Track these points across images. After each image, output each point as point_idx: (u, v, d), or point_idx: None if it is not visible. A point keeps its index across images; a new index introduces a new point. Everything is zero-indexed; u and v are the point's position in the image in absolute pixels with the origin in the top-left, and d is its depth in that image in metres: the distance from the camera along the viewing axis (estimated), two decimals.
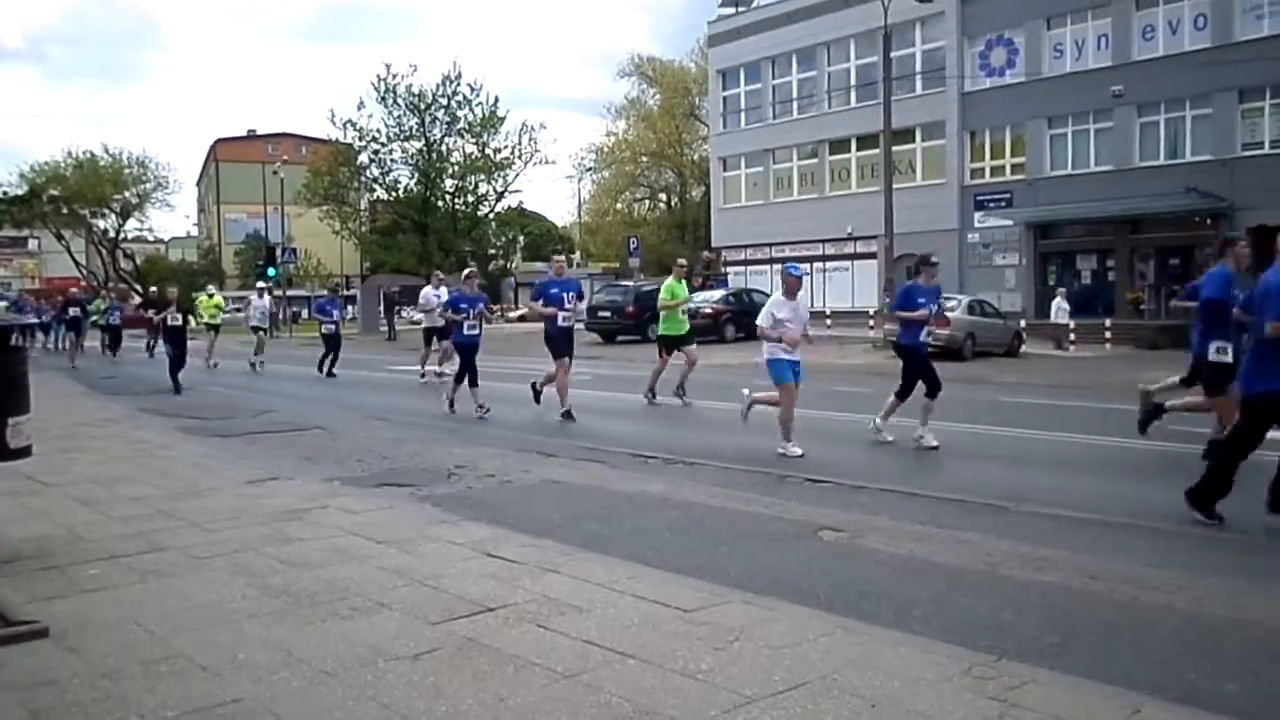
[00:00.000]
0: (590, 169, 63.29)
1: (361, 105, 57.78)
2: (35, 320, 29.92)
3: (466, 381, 12.78)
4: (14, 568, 5.12)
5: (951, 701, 3.39)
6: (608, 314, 31.33)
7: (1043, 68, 32.85)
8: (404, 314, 50.76)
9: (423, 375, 18.72)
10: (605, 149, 62.02)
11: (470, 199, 49.28)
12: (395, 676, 3.65)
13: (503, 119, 47.79)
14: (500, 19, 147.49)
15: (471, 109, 47.29)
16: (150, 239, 77.19)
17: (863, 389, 15.37)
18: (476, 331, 13.03)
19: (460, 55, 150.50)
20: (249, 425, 11.89)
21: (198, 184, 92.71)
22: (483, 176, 48.45)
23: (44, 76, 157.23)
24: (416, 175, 48.32)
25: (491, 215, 52.16)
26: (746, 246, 41.88)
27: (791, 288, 9.83)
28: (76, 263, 66.12)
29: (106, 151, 64.00)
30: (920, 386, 9.93)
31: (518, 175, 49.33)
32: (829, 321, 32.86)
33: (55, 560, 5.31)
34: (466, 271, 14.46)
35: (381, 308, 43.46)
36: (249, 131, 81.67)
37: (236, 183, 74.77)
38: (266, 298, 25.62)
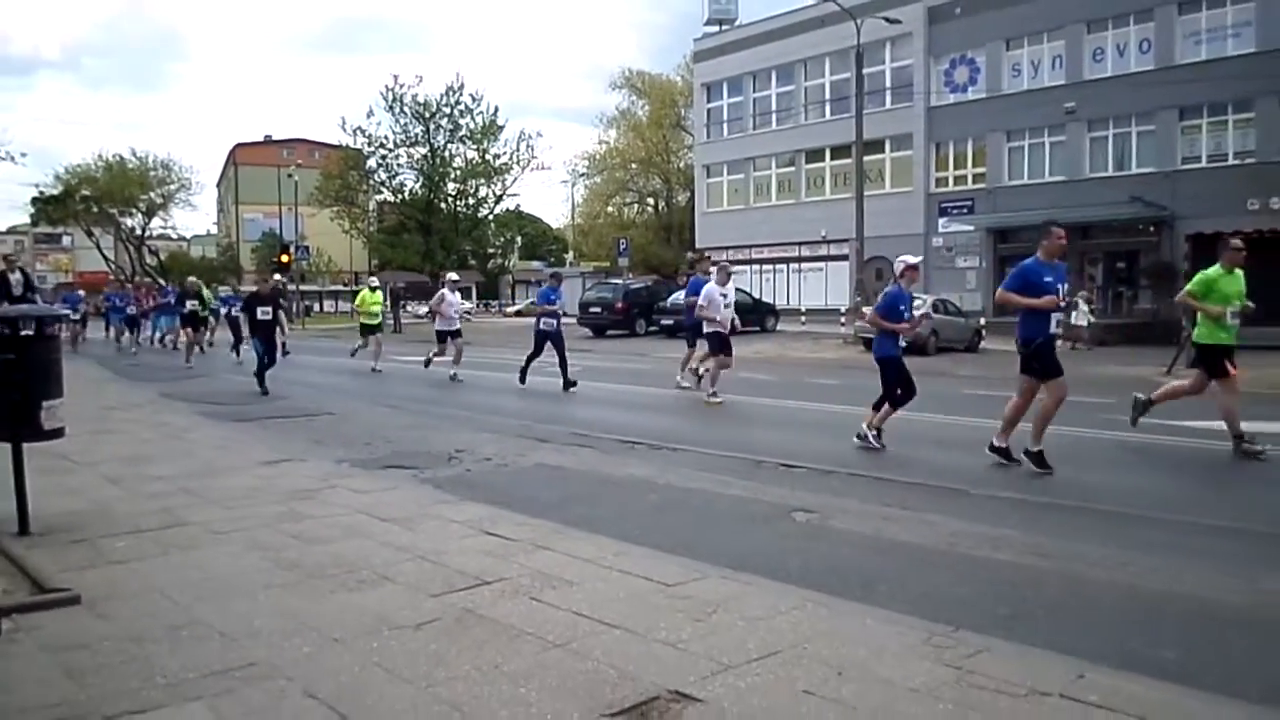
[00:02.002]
0: (583, 175, 63.19)
1: (371, 113, 57.53)
2: (68, 314, 24.21)
3: (889, 405, 9.12)
4: (48, 540, 5.11)
5: (912, 668, 3.41)
6: (598, 310, 31.41)
7: (1002, 85, 32.94)
8: (408, 309, 50.61)
9: (688, 387, 13.88)
10: (597, 156, 61.90)
11: (471, 201, 49.08)
12: (398, 644, 3.65)
13: (502, 127, 47.58)
14: (500, 34, 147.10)
15: (473, 118, 47.05)
16: (173, 236, 76.61)
17: (833, 380, 15.42)
18: (907, 343, 9.52)
19: (463, 68, 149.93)
20: (265, 410, 11.84)
21: (218, 185, 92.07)
22: (483, 181, 48.24)
23: (78, 85, 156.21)
24: (421, 179, 48.07)
25: (491, 217, 51.96)
26: (728, 248, 41.79)
27: None
28: (105, 258, 65.69)
29: (134, 155, 63.56)
30: None
31: (516, 180, 49.19)
32: (804, 319, 33.01)
33: (86, 533, 5.29)
34: (907, 261, 9.05)
35: (388, 303, 43.37)
36: (266, 137, 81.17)
37: (254, 184, 74.26)
38: (458, 294, 18.11)
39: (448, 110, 46.83)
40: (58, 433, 5.22)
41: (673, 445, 9.01)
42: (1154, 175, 29.15)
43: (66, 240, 78.94)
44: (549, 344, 14.39)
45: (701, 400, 12.57)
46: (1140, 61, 29.76)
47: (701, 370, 13.50)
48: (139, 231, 66.17)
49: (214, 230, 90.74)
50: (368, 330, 18.66)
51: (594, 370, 17.84)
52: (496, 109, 47.48)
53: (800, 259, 39.60)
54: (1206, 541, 5.65)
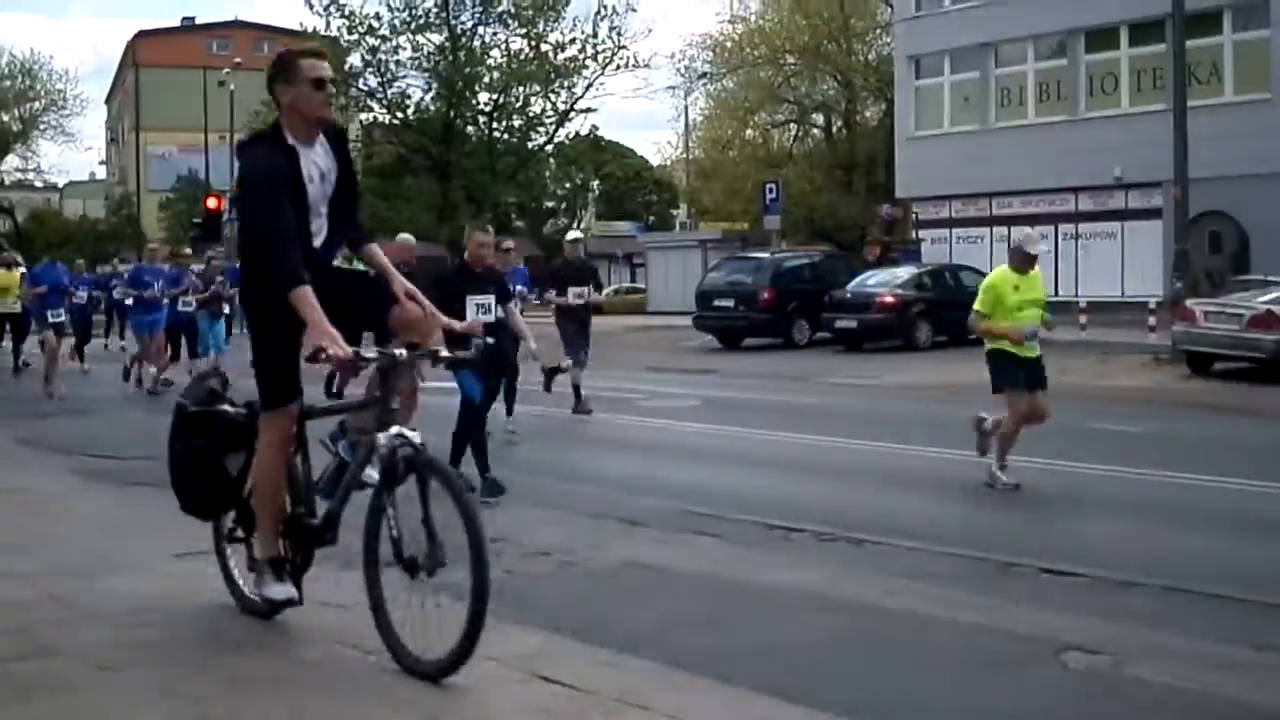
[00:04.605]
0: (704, 76, 63.47)
1: None
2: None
3: None
4: None
5: None
6: (730, 303, 31.30)
7: None
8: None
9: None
10: (728, 45, 62.15)
11: (517, 123, 49.80)
12: None
13: (567, 0, 48.41)
14: None
15: None
16: (39, 185, 79.63)
17: (1138, 427, 15.07)
18: None
19: None
20: None
21: (107, 102, 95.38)
22: (536, 88, 48.95)
23: None
24: (434, 86, 49.06)
25: (550, 148, 52.69)
26: (951, 199, 41.52)
27: None
28: None
29: None
30: None
31: (590, 86, 49.67)
32: (1083, 320, 32.39)
33: None
34: None
35: None
36: (184, 21, 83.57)
37: (164, 98, 75.97)
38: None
39: None
40: None
41: (856, 535, 8.98)
42: None
43: None
44: None
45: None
46: None
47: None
48: None
49: (101, 174, 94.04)
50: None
51: (718, 405, 17.87)
52: None
53: (1077, 216, 39.03)
54: None
